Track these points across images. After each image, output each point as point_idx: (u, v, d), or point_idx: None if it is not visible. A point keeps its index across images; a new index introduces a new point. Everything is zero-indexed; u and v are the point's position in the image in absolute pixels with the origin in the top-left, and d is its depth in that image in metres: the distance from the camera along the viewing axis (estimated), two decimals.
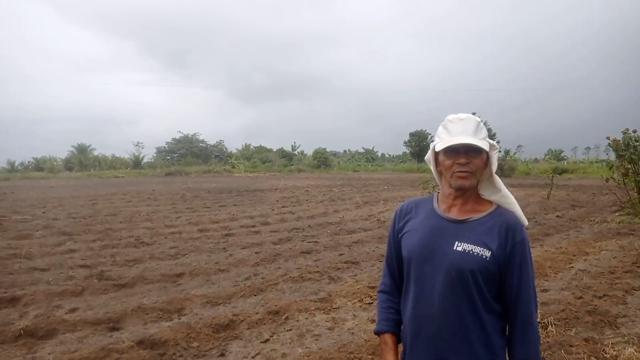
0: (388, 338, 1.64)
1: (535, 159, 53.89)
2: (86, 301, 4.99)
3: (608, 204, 13.59)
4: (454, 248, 1.50)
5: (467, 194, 1.57)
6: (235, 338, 4.02)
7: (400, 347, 1.66)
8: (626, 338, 3.88)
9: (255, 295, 5.21)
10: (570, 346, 3.73)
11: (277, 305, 4.77)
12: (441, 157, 1.56)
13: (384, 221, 11.02)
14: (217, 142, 52.73)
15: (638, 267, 6.18)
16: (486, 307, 1.48)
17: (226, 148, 53.14)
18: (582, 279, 5.73)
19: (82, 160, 43.50)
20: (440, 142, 1.54)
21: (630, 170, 11.00)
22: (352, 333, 4.14)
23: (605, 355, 3.54)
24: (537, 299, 1.53)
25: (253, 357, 3.64)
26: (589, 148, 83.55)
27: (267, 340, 3.97)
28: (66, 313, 4.60)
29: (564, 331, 4.07)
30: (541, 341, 3.86)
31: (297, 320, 4.44)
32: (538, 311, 4.47)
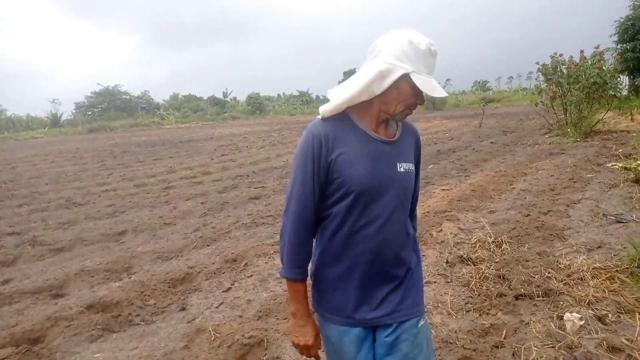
0: (302, 287, 1.51)
1: (463, 91, 55.83)
2: (20, 270, 4.53)
3: (537, 128, 14.34)
4: (398, 170, 1.47)
5: None
6: (194, 291, 3.81)
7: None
8: (575, 248, 4.10)
9: (208, 246, 4.97)
10: (527, 261, 3.88)
11: (234, 253, 4.58)
12: (406, 89, 1.36)
13: None
14: (141, 93, 49.60)
15: (574, 182, 6.55)
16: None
17: (152, 99, 50.23)
18: (525, 197, 5.99)
19: None
20: (420, 75, 1.33)
21: (558, 94, 11.53)
22: None
23: (559, 265, 3.70)
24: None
25: (217, 307, 3.47)
26: (512, 77, 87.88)
27: (229, 288, 3.80)
28: None
29: (518, 247, 4.23)
30: (498, 258, 4.01)
31: (257, 266, 4.29)
32: (492, 232, 4.64)
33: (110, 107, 44.49)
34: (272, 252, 4.60)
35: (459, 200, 6.12)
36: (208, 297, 3.66)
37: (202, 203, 7.12)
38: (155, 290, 3.77)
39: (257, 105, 46.35)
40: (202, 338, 3.01)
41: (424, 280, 3.76)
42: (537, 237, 4.47)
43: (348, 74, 44.95)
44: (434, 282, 3.73)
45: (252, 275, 4.06)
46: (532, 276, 3.54)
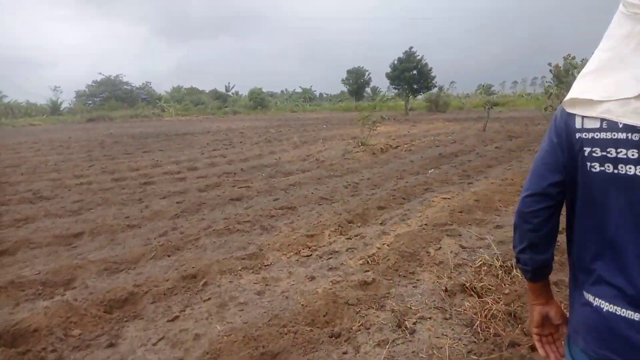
0: None
1: (467, 94, 55.08)
2: None
3: (543, 134, 13.56)
4: None
5: None
6: (133, 318, 3.10)
7: None
8: None
9: (168, 256, 4.27)
10: None
11: (195, 268, 3.88)
12: None
13: (322, 161, 10.23)
14: (143, 83, 49.11)
15: None
16: None
17: (154, 90, 49.62)
18: None
19: None
20: None
21: None
22: (286, 297, 3.36)
23: None
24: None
25: (155, 344, 2.76)
26: (516, 82, 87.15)
27: (176, 317, 3.08)
28: None
29: None
30: (507, 289, 3.30)
31: (219, 286, 3.58)
32: (499, 253, 3.92)
33: (111, 97, 44.04)
34: (239, 268, 3.90)
35: (460, 212, 5.41)
36: (148, 328, 2.96)
37: (177, 202, 6.42)
38: (85, 315, 3.06)
39: (259, 100, 45.67)
40: None
41: (418, 314, 3.06)
42: (555, 261, 3.74)
43: (352, 72, 43.89)
44: (430, 317, 3.03)
45: (209, 299, 3.35)
46: None
